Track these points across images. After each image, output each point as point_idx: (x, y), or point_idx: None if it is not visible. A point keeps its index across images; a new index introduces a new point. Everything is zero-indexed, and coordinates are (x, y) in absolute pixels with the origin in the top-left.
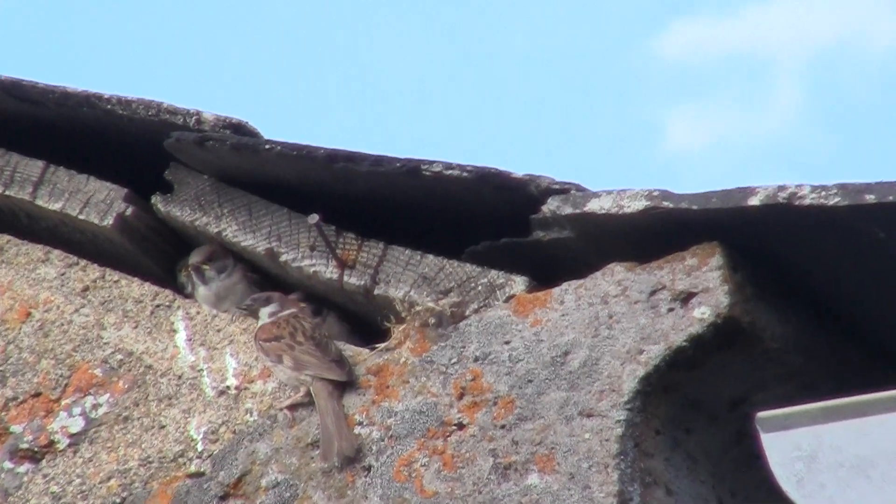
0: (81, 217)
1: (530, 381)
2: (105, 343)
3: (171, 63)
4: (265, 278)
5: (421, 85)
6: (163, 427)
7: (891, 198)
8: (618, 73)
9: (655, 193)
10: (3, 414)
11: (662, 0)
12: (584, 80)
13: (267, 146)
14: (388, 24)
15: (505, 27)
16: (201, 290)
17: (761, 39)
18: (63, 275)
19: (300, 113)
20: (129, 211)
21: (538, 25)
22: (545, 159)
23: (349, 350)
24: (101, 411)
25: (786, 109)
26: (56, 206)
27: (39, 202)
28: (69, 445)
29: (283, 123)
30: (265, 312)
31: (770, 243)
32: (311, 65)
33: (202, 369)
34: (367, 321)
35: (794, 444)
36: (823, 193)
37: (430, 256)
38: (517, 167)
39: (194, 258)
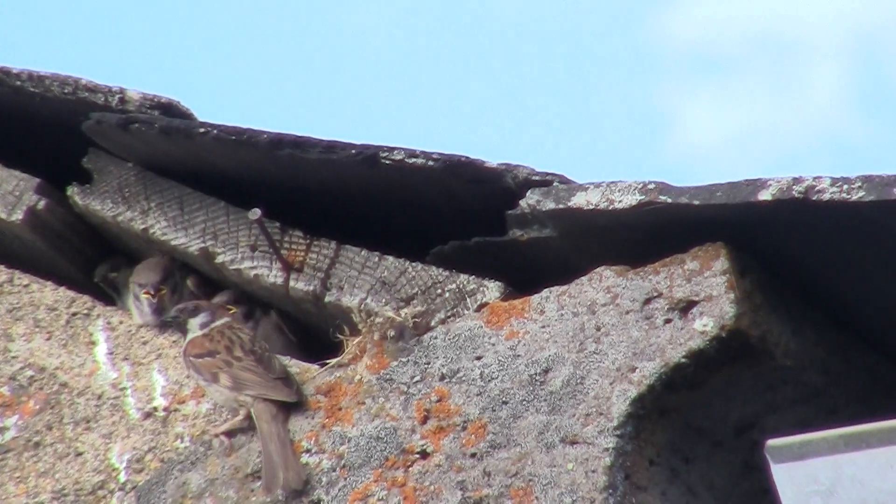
0: None
1: (505, 403)
2: (13, 357)
3: (91, 35)
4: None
5: (384, 62)
6: (80, 454)
7: None
8: (623, 54)
9: (651, 186)
10: None
11: None
12: (583, 61)
13: (201, 130)
14: None
15: None
16: (149, 319)
17: (793, 15)
18: None
19: (240, 92)
20: (41, 204)
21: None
22: (534, 154)
23: (295, 366)
24: (8, 436)
25: (822, 95)
26: None
27: None
28: None
29: (220, 104)
30: (195, 324)
31: (783, 244)
32: (253, 37)
33: (125, 388)
34: (316, 332)
35: (809, 477)
36: (845, 187)
37: (390, 258)
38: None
39: (147, 277)
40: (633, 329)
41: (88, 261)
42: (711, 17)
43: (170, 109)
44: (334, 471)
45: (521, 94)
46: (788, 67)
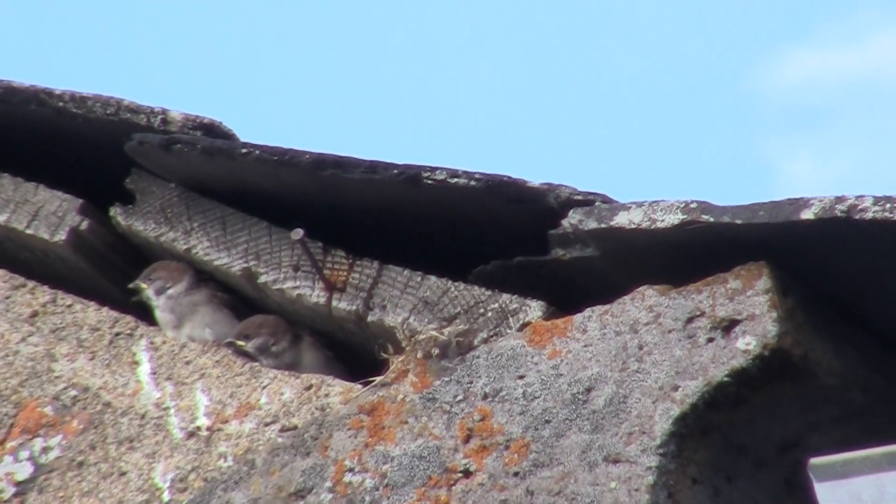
0: (29, 231)
1: (548, 422)
2: (56, 377)
3: (133, 55)
4: (242, 301)
5: (484, 104)
6: (123, 473)
7: None
8: (723, 107)
9: (693, 205)
10: None
11: (772, 27)
12: (684, 114)
13: (244, 150)
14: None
15: (590, 48)
16: (158, 315)
17: (891, 66)
18: (8, 298)
19: (282, 112)
20: (84, 224)
21: (629, 50)
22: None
23: (338, 385)
24: (51, 455)
25: None
26: (0, 219)
27: None
28: (15, 495)
29: (262, 124)
30: None
31: (826, 263)
32: (295, 57)
33: (169, 407)
34: (359, 351)
35: (853, 495)
36: (888, 206)
37: (433, 278)
38: None
39: (142, 275)
40: (675, 348)
41: (131, 281)
42: (811, 69)
43: (212, 130)
44: (377, 490)
45: (623, 145)
46: (888, 117)
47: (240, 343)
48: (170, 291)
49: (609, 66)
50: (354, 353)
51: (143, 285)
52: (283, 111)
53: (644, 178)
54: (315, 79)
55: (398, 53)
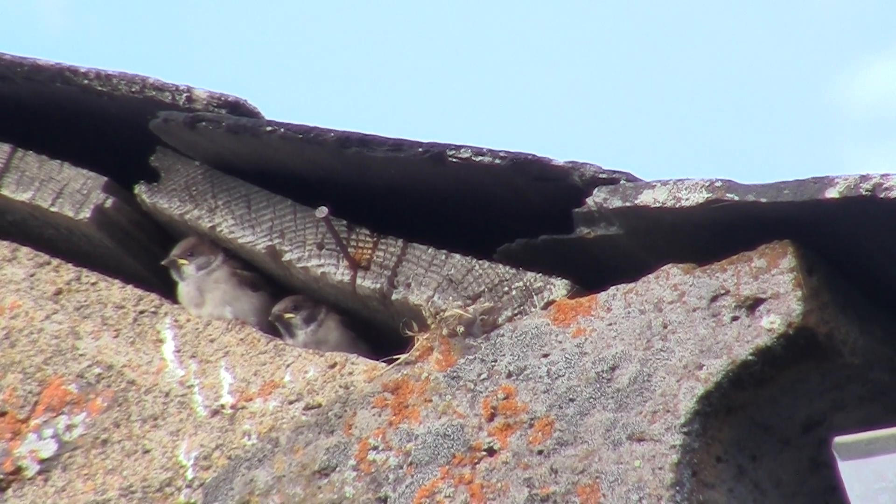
0: (54, 209)
1: (572, 400)
2: (81, 355)
3: (158, 33)
4: (265, 279)
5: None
6: (147, 451)
7: None
8: (802, 117)
9: (718, 184)
10: None
11: (852, 38)
12: (764, 124)
13: (268, 128)
14: None
15: (670, 57)
16: (181, 288)
17: None
18: (32, 276)
19: (307, 90)
20: (108, 202)
21: (710, 59)
22: None
23: (361, 363)
24: (75, 433)
25: None
26: (25, 197)
27: (5, 192)
28: (39, 472)
29: (287, 102)
30: None
31: (851, 242)
32: (320, 35)
33: (193, 385)
34: (383, 329)
35: (877, 473)
36: None
37: (457, 256)
38: None
39: (173, 252)
40: (700, 326)
41: (155, 259)
42: (891, 80)
43: (237, 108)
44: (401, 468)
45: (702, 154)
46: None
47: (288, 315)
48: (212, 266)
49: (689, 74)
50: (378, 332)
51: (183, 261)
52: (309, 89)
53: None
54: (340, 57)
55: (423, 31)
